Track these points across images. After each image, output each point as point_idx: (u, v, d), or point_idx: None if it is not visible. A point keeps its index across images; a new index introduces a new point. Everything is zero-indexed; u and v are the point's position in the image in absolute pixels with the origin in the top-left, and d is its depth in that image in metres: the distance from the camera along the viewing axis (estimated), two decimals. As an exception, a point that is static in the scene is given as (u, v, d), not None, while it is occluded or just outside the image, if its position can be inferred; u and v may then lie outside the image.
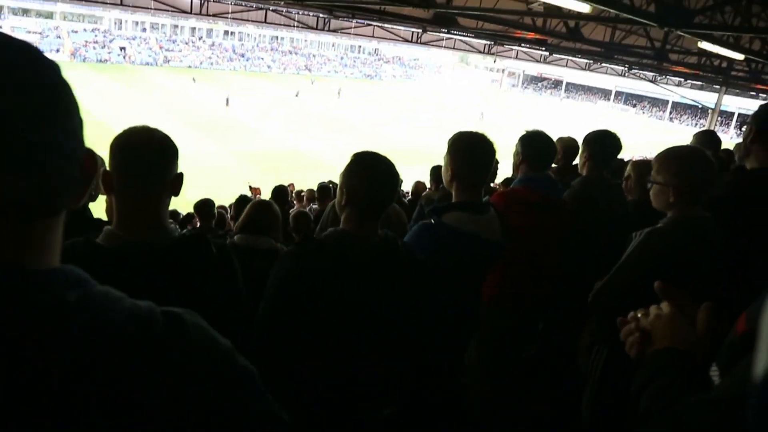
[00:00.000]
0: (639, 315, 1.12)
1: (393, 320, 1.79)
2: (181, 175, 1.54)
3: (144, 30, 69.96)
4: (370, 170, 1.78)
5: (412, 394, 2.00)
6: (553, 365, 3.64)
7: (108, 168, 1.46)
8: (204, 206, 5.43)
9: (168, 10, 15.94)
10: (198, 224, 4.73)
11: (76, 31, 64.24)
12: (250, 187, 10.49)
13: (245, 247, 2.96)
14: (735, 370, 0.81)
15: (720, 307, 1.08)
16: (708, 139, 3.50)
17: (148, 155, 1.47)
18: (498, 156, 2.34)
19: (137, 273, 1.38)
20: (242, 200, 4.84)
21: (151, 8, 15.77)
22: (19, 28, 59.98)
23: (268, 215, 3.26)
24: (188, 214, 7.31)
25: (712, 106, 27.41)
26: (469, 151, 2.22)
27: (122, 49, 64.89)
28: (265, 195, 10.78)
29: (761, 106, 2.29)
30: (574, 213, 2.87)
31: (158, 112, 33.55)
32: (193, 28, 72.62)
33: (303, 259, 1.73)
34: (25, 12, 62.47)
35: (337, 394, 1.76)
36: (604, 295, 2.27)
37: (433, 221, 2.18)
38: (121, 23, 68.26)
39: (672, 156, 2.17)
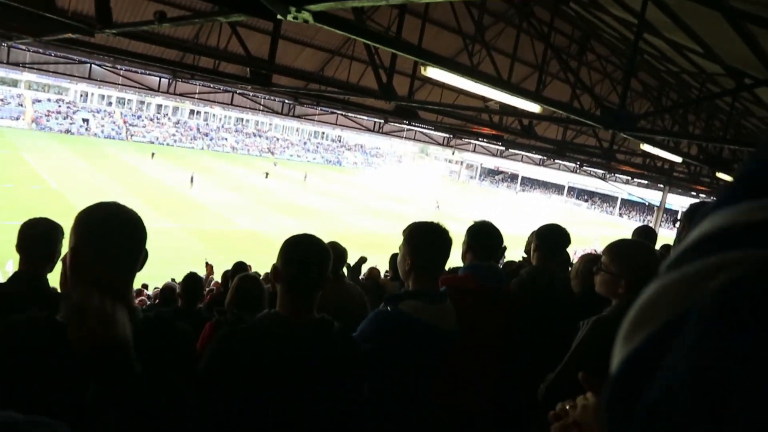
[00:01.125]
0: (567, 407, 1.13)
1: (324, 404, 1.75)
2: (146, 252, 1.50)
3: (110, 104, 70.29)
4: (294, 252, 1.80)
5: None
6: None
7: (71, 243, 1.41)
8: (168, 290, 5.27)
9: (135, 87, 16.14)
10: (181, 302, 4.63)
11: (39, 101, 64.01)
12: (207, 263, 10.25)
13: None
14: None
15: None
16: (646, 234, 3.68)
17: (123, 235, 1.43)
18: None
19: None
20: (190, 277, 4.74)
21: (118, 84, 15.94)
22: (-20, 95, 59.53)
23: (256, 288, 3.25)
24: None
25: (658, 204, 28.87)
26: (426, 241, 2.26)
27: (85, 121, 64.75)
28: (218, 274, 10.53)
29: (691, 205, 2.44)
30: (518, 301, 2.92)
31: (116, 187, 33.14)
32: (160, 105, 73.38)
33: (233, 341, 1.70)
34: (-10, 79, 62.27)
35: None
36: (555, 387, 2.27)
37: (389, 309, 2.18)
38: (87, 95, 68.49)
39: (625, 248, 2.27)
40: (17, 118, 58.92)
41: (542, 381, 2.34)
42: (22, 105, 61.89)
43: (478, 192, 79.13)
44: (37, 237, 2.45)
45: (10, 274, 2.49)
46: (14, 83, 63.42)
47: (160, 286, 9.23)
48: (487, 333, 2.73)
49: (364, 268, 6.19)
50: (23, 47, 12.16)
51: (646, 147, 9.65)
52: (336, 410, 1.79)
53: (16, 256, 2.45)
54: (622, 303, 2.22)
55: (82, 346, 1.16)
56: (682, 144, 14.00)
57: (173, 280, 7.73)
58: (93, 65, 14.32)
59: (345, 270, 4.38)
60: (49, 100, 65.12)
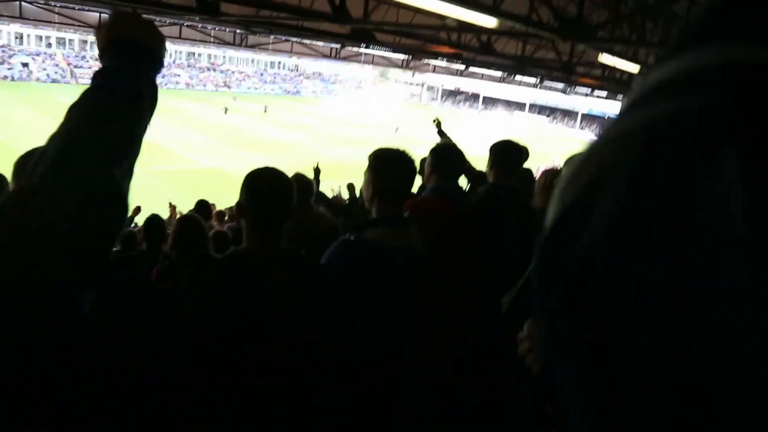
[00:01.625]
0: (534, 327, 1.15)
1: (300, 336, 1.76)
2: None
3: (49, 45, 66.29)
4: (256, 185, 1.78)
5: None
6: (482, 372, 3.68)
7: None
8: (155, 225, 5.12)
9: (74, 25, 15.19)
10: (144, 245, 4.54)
11: (-29, 47, 60.06)
12: (170, 204, 10.06)
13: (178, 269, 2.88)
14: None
15: None
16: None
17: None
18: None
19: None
20: (152, 220, 4.63)
21: (55, 22, 14.96)
22: None
23: (195, 229, 3.19)
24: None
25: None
26: (390, 166, 2.23)
27: (24, 65, 61.17)
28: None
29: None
30: (480, 219, 2.94)
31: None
32: (104, 44, 69.45)
33: (201, 281, 1.71)
34: None
35: (252, 420, 1.71)
36: (517, 302, 2.29)
37: (353, 238, 2.18)
38: (22, 37, 64.33)
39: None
40: (-50, 67, 55.39)
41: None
42: (-47, 51, 58.00)
43: (439, 113, 78.56)
44: None
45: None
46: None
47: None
48: (461, 256, 2.75)
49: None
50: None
51: (604, 58, 9.64)
52: (306, 341, 1.80)
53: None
54: None
55: None
56: (641, 54, 14.02)
57: (135, 225, 7.56)
58: (23, 3, 13.28)
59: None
60: (-20, 45, 61.09)
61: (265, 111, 54.04)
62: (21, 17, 13.94)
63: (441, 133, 4.67)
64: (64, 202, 0.79)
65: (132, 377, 1.49)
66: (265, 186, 1.78)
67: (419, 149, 3.08)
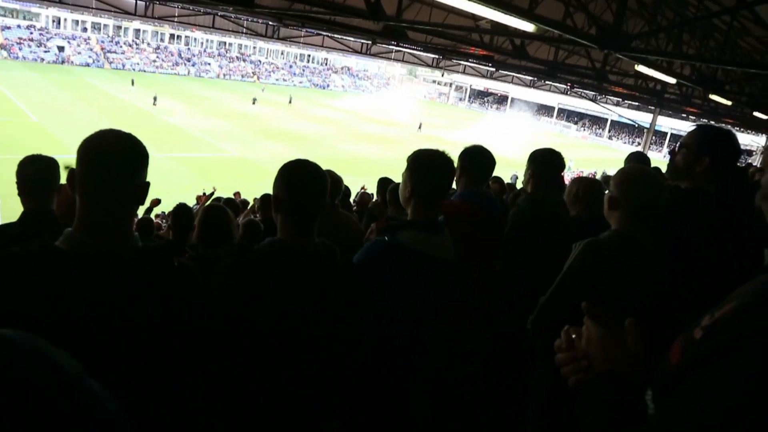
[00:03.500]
0: (573, 336, 1.11)
1: (328, 328, 1.76)
2: (147, 183, 1.49)
3: (85, 29, 67.46)
4: (293, 178, 1.77)
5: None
6: (493, 383, 3.65)
7: (74, 167, 1.42)
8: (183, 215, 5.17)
9: (110, 11, 15.41)
10: (171, 234, 4.56)
11: (9, 27, 61.27)
12: (206, 194, 10.26)
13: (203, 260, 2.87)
14: (669, 403, 0.82)
15: (645, 322, 1.10)
16: (638, 159, 3.64)
17: (116, 161, 1.42)
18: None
19: (99, 280, 1.37)
20: (179, 208, 4.66)
21: (92, 7, 15.18)
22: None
23: (222, 219, 3.18)
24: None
25: (648, 126, 28.76)
26: (428, 168, 2.20)
27: (60, 48, 62.32)
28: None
29: (708, 133, 2.38)
30: (516, 233, 2.89)
31: (100, 118, 32.34)
32: (138, 30, 70.59)
33: (240, 270, 1.70)
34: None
35: (278, 408, 1.72)
36: (543, 316, 2.27)
37: (386, 238, 2.15)
38: (59, 21, 65.57)
39: (621, 171, 2.24)
40: (-12, 46, 56.63)
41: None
42: (-9, 31, 59.28)
43: (465, 114, 78.21)
44: (38, 173, 2.41)
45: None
46: (-19, 8, 60.51)
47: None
48: (485, 263, 2.72)
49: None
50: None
51: (640, 68, 9.47)
52: (335, 336, 1.80)
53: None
54: (618, 230, 2.19)
55: None
56: (675, 64, 13.75)
57: (156, 215, 7.67)
58: (64, -13, 13.64)
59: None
60: (19, 26, 62.26)
61: (290, 102, 54.42)
62: (60, 1, 14.20)
63: None
64: None
65: (164, 364, 1.50)
66: (302, 178, 1.77)
67: (439, 147, 3.03)
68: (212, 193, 9.66)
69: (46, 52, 60.67)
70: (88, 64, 62.30)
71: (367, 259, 2.10)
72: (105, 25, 68.17)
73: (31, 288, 1.30)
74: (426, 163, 2.20)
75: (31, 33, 62.28)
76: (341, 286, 1.81)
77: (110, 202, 1.43)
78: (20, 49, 58.91)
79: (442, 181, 2.22)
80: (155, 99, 40.87)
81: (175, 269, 1.56)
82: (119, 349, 1.38)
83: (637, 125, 34.52)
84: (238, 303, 1.66)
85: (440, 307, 2.31)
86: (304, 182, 1.76)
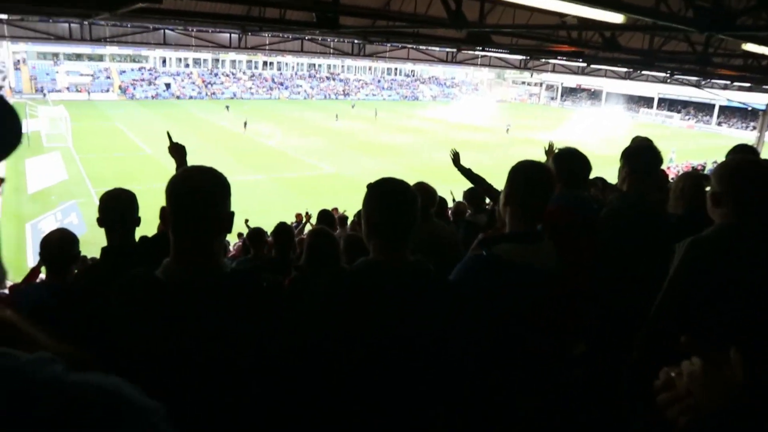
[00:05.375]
0: (673, 375, 1.03)
1: (424, 348, 1.75)
2: (232, 213, 1.61)
3: (187, 65, 72.67)
4: (383, 198, 1.78)
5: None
6: (597, 389, 3.50)
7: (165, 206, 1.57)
8: (256, 235, 5.52)
9: (208, 46, 16.53)
10: (252, 253, 4.83)
11: (124, 71, 67.29)
12: (305, 213, 10.75)
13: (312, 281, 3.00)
14: None
15: (749, 347, 1.02)
16: (743, 151, 3.35)
17: (200, 197, 1.55)
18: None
19: (193, 307, 1.50)
20: (279, 227, 4.89)
21: (192, 45, 16.37)
22: (74, 72, 63.39)
23: (329, 243, 3.28)
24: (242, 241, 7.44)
25: (763, 108, 26.40)
26: (525, 180, 2.18)
27: (167, 85, 67.53)
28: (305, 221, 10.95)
29: None
30: (608, 235, 2.76)
31: (205, 146, 34.54)
32: (233, 61, 75.03)
33: (334, 291, 1.75)
34: (78, 57, 65.87)
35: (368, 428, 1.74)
36: (653, 329, 2.12)
37: (484, 253, 2.13)
38: (165, 61, 71.17)
39: (722, 164, 2.10)
40: (107, 90, 62.48)
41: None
42: (109, 78, 65.40)
43: (557, 112, 75.72)
44: (130, 203, 2.66)
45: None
46: (100, 58, 66.89)
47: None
48: (584, 269, 2.61)
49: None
50: (102, 23, 12.80)
51: (748, 46, 8.76)
52: (430, 355, 1.77)
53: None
54: (723, 224, 2.03)
55: None
56: (790, 38, 12.58)
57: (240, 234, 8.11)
58: (166, 30, 15.06)
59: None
60: (132, 69, 68.30)
61: (376, 116, 55.58)
62: (165, 43, 15.50)
63: (458, 166, 4.39)
64: None
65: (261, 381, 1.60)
66: (388, 199, 1.78)
67: (528, 148, 2.94)
68: (308, 216, 10.19)
69: (155, 89, 65.95)
70: (192, 97, 66.95)
71: (465, 273, 2.08)
72: (204, 60, 73.14)
73: (135, 316, 1.48)
74: (521, 175, 2.18)
75: (142, 74, 68.05)
76: (435, 305, 1.78)
77: (198, 232, 1.55)
78: (134, 89, 64.49)
79: (538, 193, 2.18)
80: (245, 124, 43.25)
81: (265, 290, 1.66)
82: (209, 370, 1.49)
83: (750, 108, 31.82)
84: (333, 326, 1.70)
85: (536, 314, 2.26)
86: (390, 202, 1.76)
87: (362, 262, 1.81)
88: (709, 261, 2.00)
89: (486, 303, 1.95)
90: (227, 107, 54.85)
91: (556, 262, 2.23)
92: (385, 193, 1.79)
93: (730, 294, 1.96)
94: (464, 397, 1.94)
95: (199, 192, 1.55)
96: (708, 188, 2.14)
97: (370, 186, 1.82)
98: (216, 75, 73.33)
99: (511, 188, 2.19)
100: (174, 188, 1.56)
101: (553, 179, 2.20)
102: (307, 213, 10.78)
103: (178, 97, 65.82)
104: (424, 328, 1.75)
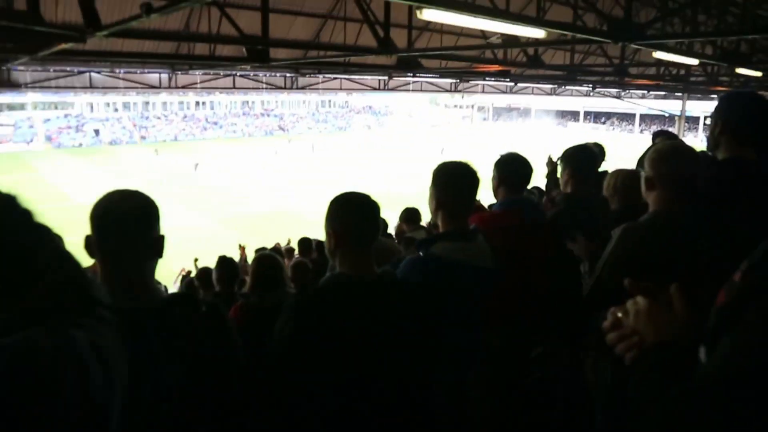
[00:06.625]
0: (619, 314, 1.09)
1: (402, 356, 1.75)
2: (162, 237, 1.52)
3: (116, 110, 70.64)
4: (348, 209, 1.79)
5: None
6: (553, 389, 3.54)
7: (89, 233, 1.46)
8: (206, 275, 5.38)
9: (137, 87, 16.16)
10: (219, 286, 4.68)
11: (49, 119, 64.63)
12: (240, 245, 10.57)
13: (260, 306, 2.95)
14: (715, 351, 0.81)
15: (691, 285, 1.08)
16: (665, 136, 3.54)
17: (127, 219, 1.45)
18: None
19: (130, 337, 1.39)
20: (222, 261, 4.78)
21: (120, 87, 15.97)
22: (-9, 123, 60.35)
23: (274, 268, 3.24)
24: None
25: (678, 113, 28.11)
26: (451, 179, 2.21)
27: (96, 131, 65.30)
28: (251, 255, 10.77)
29: (722, 99, 2.33)
30: (557, 234, 2.83)
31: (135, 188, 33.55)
32: (164, 103, 73.52)
33: (304, 310, 1.71)
34: (-6, 107, 62.91)
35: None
36: (590, 302, 2.20)
37: (421, 254, 2.16)
38: (92, 106, 68.94)
39: (652, 149, 2.18)
40: (31, 141, 59.69)
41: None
42: (32, 126, 62.56)
43: (489, 132, 78.12)
44: None
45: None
46: (21, 106, 63.94)
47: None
48: (534, 270, 2.64)
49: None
50: (22, 68, 12.27)
51: (658, 54, 9.33)
52: (409, 363, 1.77)
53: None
54: (656, 211, 2.10)
55: None
56: (696, 47, 13.48)
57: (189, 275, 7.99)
58: (92, 73, 14.39)
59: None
60: (57, 117, 65.65)
61: (312, 150, 55.72)
62: (91, 86, 14.99)
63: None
64: None
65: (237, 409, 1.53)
66: (355, 209, 1.78)
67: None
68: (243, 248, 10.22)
69: (83, 136, 63.59)
70: (123, 142, 64.92)
71: (406, 276, 2.08)
72: (134, 103, 71.24)
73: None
74: (447, 174, 2.21)
75: (69, 121, 65.54)
76: (407, 312, 1.79)
77: (128, 259, 1.45)
78: (60, 136, 61.95)
79: (466, 190, 2.22)
80: (196, 165, 42.89)
81: (203, 314, 1.57)
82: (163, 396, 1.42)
83: (667, 114, 33.79)
84: (301, 343, 1.66)
85: (486, 312, 2.29)
86: (358, 212, 1.78)
87: (329, 276, 1.79)
88: (642, 243, 2.05)
89: (440, 303, 1.95)
90: (156, 150, 53.87)
91: (493, 260, 2.26)
92: (353, 207, 1.79)
93: (662, 279, 2.03)
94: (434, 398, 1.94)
95: (125, 216, 1.45)
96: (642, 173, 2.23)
97: (335, 201, 1.81)
98: (147, 118, 71.57)
99: (436, 190, 2.22)
100: (98, 210, 1.46)
101: (474, 176, 2.22)
102: (240, 245, 10.68)
103: (108, 143, 63.74)
104: (401, 337, 1.74)
